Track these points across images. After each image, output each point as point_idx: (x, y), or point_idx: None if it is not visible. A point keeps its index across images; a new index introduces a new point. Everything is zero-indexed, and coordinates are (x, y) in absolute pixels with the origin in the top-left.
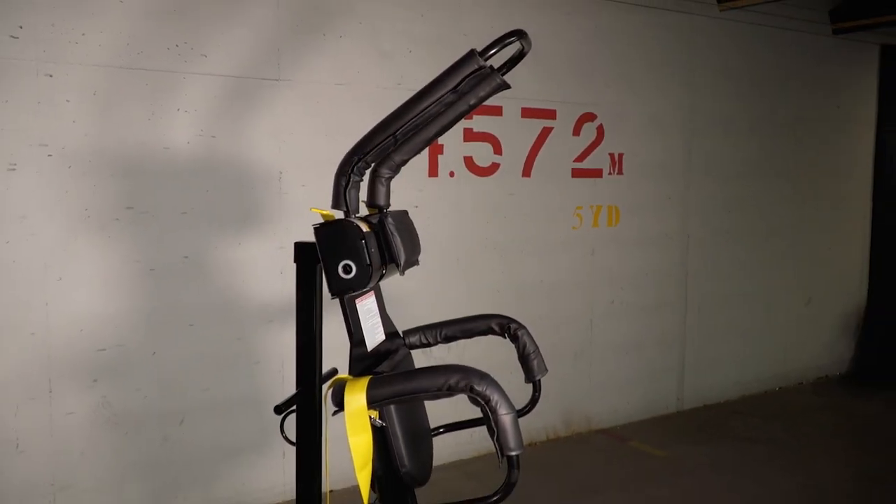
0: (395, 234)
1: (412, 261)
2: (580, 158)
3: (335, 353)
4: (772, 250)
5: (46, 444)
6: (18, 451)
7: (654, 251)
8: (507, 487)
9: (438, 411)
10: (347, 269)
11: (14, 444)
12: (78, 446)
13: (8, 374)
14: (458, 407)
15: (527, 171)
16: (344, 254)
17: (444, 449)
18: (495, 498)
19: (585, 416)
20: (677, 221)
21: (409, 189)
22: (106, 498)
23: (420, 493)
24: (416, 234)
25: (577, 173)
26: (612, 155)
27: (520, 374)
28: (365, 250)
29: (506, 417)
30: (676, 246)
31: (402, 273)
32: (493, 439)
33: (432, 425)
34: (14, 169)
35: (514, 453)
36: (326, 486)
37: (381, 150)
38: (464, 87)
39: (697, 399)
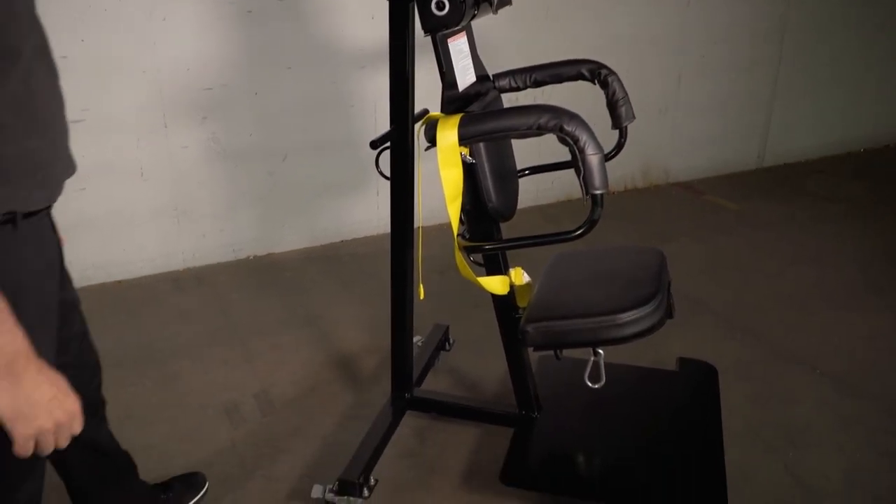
0: None
1: (505, 0)
2: None
3: (424, 100)
4: (884, 6)
5: (167, 174)
6: (143, 178)
7: (751, 3)
8: (590, 224)
9: (524, 154)
10: (440, 6)
11: (139, 172)
12: (194, 177)
13: (127, 108)
14: (542, 152)
15: None
16: None
17: (526, 194)
18: (579, 232)
19: (664, 169)
20: None
21: None
22: (221, 223)
23: (504, 227)
24: None
25: None
26: None
27: (605, 123)
28: None
29: (593, 157)
30: None
31: (496, 11)
32: (578, 178)
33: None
34: None
35: (598, 191)
36: (420, 219)
37: None
38: None
39: (778, 157)
